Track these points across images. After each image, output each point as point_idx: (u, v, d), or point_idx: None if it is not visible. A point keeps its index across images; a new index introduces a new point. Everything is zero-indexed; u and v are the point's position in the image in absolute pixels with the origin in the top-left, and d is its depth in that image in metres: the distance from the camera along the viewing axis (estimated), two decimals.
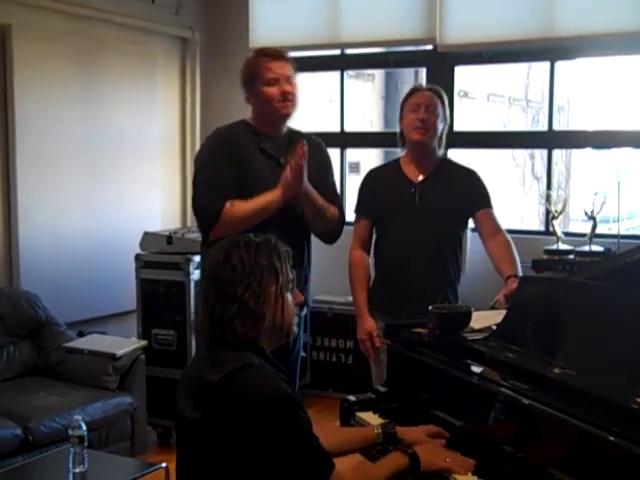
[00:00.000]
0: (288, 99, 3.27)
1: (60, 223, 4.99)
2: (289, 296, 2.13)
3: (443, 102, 3.55)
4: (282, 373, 2.09)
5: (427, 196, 3.49)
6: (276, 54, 3.31)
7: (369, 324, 3.50)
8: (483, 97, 9.63)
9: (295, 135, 3.40)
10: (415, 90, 3.60)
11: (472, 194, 3.56)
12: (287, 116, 3.33)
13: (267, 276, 2.07)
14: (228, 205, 3.17)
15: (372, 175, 3.69)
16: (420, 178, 3.53)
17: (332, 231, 3.46)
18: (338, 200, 3.53)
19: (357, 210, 3.67)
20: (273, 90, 3.25)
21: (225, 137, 3.34)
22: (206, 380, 2.01)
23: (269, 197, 3.16)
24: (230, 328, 2.03)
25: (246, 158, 3.24)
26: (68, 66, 5.04)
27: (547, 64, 5.21)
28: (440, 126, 3.53)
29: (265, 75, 3.25)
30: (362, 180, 3.70)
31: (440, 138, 3.57)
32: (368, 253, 3.66)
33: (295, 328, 2.21)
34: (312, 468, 1.98)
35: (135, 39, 5.55)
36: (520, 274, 3.35)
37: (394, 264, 3.52)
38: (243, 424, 1.94)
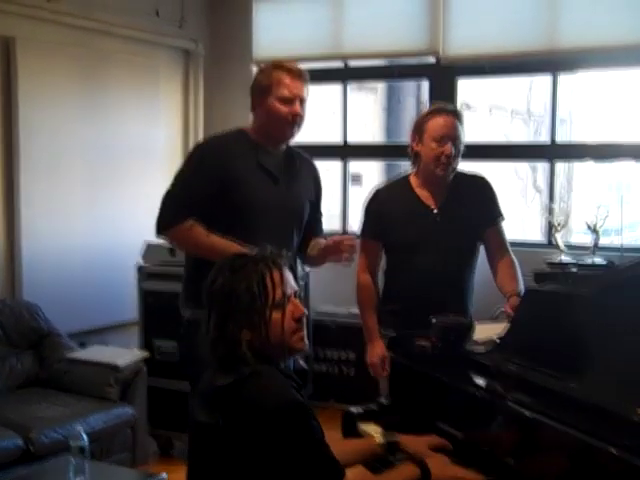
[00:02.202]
0: (296, 122, 3.17)
1: (62, 234, 5.00)
2: (276, 314, 2.08)
3: (462, 125, 3.44)
4: (293, 382, 2.09)
5: (446, 224, 3.41)
6: (297, 73, 3.17)
7: (381, 349, 3.43)
8: (485, 109, 9.64)
9: (293, 154, 3.31)
10: (438, 112, 3.43)
11: (484, 209, 3.49)
12: (290, 138, 3.24)
13: (246, 300, 2.05)
14: (187, 224, 3.07)
15: (380, 198, 3.56)
16: (436, 204, 3.45)
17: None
18: (322, 231, 3.48)
19: (365, 232, 3.57)
20: (285, 109, 3.12)
21: (218, 147, 3.23)
22: (216, 385, 2.01)
23: (227, 247, 2.96)
24: (239, 348, 2.04)
25: (238, 170, 3.14)
26: (72, 78, 5.06)
27: (549, 77, 5.22)
28: (459, 153, 3.44)
29: (280, 91, 3.12)
30: (369, 200, 3.58)
31: None
32: (375, 275, 3.58)
33: (301, 343, 2.15)
34: (323, 476, 1.98)
35: (139, 51, 5.57)
36: (522, 292, 3.31)
37: (414, 291, 3.40)
38: (254, 431, 1.93)
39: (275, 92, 3.13)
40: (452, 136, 3.38)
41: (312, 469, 1.97)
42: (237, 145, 3.21)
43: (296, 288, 2.17)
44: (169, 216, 3.13)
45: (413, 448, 2.31)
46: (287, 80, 3.13)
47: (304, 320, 2.16)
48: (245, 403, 1.96)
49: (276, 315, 2.08)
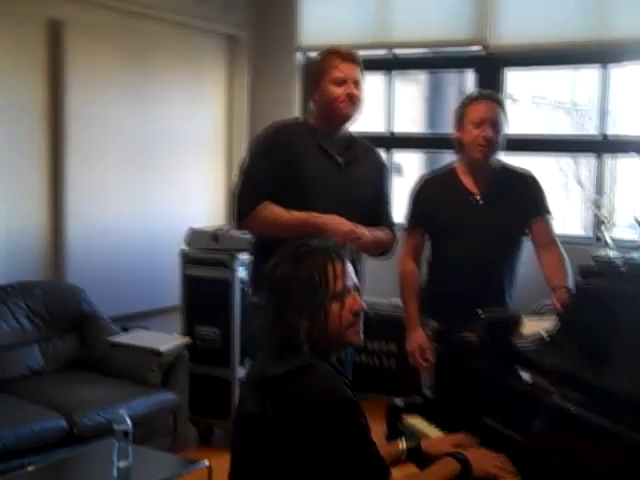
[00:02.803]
0: (352, 101, 3.22)
1: (107, 218, 5.04)
2: (334, 306, 2.07)
3: (504, 112, 3.44)
4: (345, 378, 2.09)
5: (489, 210, 3.41)
6: (348, 55, 3.24)
7: (421, 337, 3.45)
8: (527, 100, 9.53)
9: (356, 141, 3.35)
10: (477, 98, 3.47)
11: (530, 202, 3.48)
12: (349, 117, 3.28)
13: (305, 290, 2.04)
14: (263, 206, 3.13)
15: (427, 185, 3.58)
16: (480, 190, 3.45)
17: (384, 254, 3.45)
18: (391, 219, 3.48)
19: (410, 220, 3.58)
20: (339, 90, 3.19)
21: (280, 132, 3.29)
22: (269, 374, 2.01)
23: (309, 218, 3.08)
24: (295, 337, 2.03)
25: (302, 155, 3.19)
26: (118, 62, 5.10)
27: (597, 68, 5.14)
28: (500, 139, 3.42)
29: (333, 74, 3.19)
30: (415, 189, 3.59)
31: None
32: (419, 264, 3.59)
33: (356, 336, 2.14)
34: (369, 474, 1.97)
35: (184, 36, 5.59)
36: (571, 287, 3.27)
37: (456, 279, 3.41)
38: (304, 424, 1.93)
39: (329, 75, 3.20)
40: (491, 119, 3.38)
41: (359, 466, 1.96)
42: (298, 131, 3.28)
43: (356, 281, 2.16)
44: (244, 206, 3.18)
45: (436, 450, 2.29)
46: (339, 63, 3.21)
47: (362, 314, 2.15)
48: (298, 396, 1.95)
49: (335, 306, 2.07)
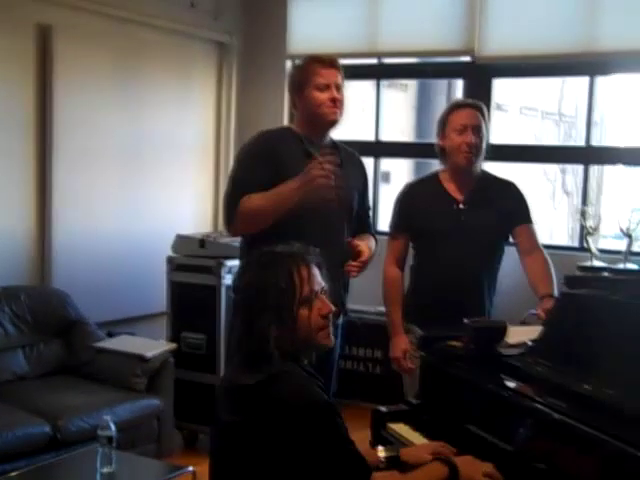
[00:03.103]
0: (336, 106, 3.25)
1: (93, 223, 5.03)
2: (303, 310, 2.09)
3: (485, 118, 3.49)
4: (318, 380, 2.09)
5: (471, 215, 3.45)
6: (329, 61, 3.28)
7: (404, 343, 3.47)
8: (516, 110, 9.57)
9: (339, 147, 3.38)
10: (458, 106, 3.52)
11: (512, 209, 3.51)
12: (334, 123, 3.30)
13: (274, 296, 2.05)
14: (244, 198, 3.14)
15: (411, 191, 3.62)
16: (463, 197, 3.48)
17: None
18: (371, 225, 3.54)
19: (394, 226, 3.61)
20: (323, 95, 3.22)
21: (266, 139, 3.32)
22: (243, 383, 2.01)
23: (284, 188, 3.09)
24: (265, 345, 2.04)
25: (289, 162, 3.20)
26: (107, 67, 5.09)
27: (583, 79, 5.17)
28: (484, 145, 3.47)
29: (316, 80, 3.22)
30: (400, 195, 3.64)
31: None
32: (402, 269, 3.62)
33: (327, 339, 2.17)
34: (350, 473, 1.98)
35: (174, 42, 5.58)
36: (556, 294, 3.30)
37: (439, 283, 3.45)
38: (280, 429, 1.94)
39: (311, 82, 3.24)
40: (474, 125, 3.42)
41: (340, 466, 1.97)
42: (284, 138, 3.30)
43: (324, 285, 2.17)
44: (231, 208, 3.18)
45: (415, 459, 2.28)
46: (320, 69, 3.25)
47: (331, 317, 2.16)
48: (274, 402, 1.96)
49: (304, 311, 2.09)
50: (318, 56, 3.34)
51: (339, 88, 3.27)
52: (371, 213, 3.63)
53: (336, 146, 3.38)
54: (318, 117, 3.26)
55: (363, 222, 3.45)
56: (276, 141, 3.28)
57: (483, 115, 3.49)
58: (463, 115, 3.44)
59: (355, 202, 3.37)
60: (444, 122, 3.48)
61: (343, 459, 1.97)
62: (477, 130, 3.42)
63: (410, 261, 3.66)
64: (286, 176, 3.15)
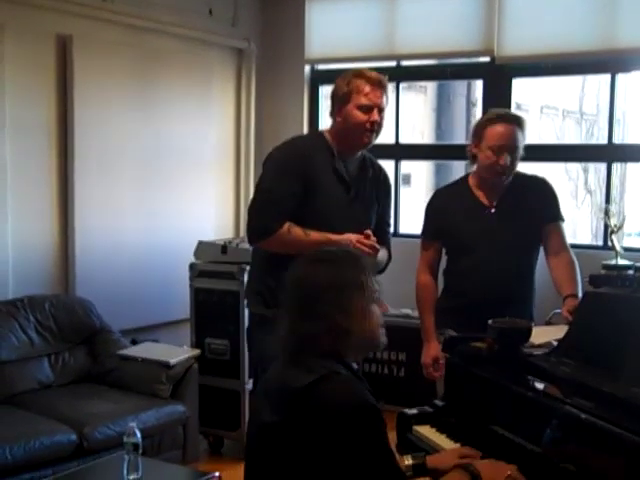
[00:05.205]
0: (374, 130, 3.22)
1: (116, 231, 5.04)
2: (375, 308, 2.12)
3: (523, 132, 3.42)
4: (365, 383, 2.10)
5: (502, 221, 3.42)
6: (377, 82, 3.22)
7: (435, 350, 3.45)
8: (537, 109, 9.53)
9: (368, 162, 3.37)
10: (499, 119, 3.41)
11: (543, 208, 3.48)
12: (367, 145, 3.28)
13: (352, 291, 2.06)
14: (285, 228, 3.13)
15: (441, 197, 3.61)
16: (493, 202, 3.46)
17: (379, 273, 3.43)
18: (389, 236, 3.50)
19: (425, 233, 3.60)
20: (363, 117, 3.19)
21: (300, 148, 3.28)
22: (291, 386, 2.00)
23: (325, 238, 3.10)
24: (317, 344, 2.04)
25: (317, 175, 3.19)
26: (126, 77, 5.10)
27: (604, 76, 5.13)
28: (517, 162, 3.42)
29: (360, 99, 3.18)
30: (430, 201, 3.63)
31: None
32: (435, 276, 3.61)
33: (384, 337, 2.18)
34: None
35: (192, 50, 5.60)
36: (580, 295, 3.25)
37: (475, 291, 3.41)
38: (326, 430, 1.93)
39: (354, 100, 3.20)
40: (510, 147, 3.37)
41: (380, 473, 1.95)
42: (315, 149, 3.27)
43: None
44: (265, 225, 3.16)
45: (442, 464, 2.28)
46: (367, 88, 3.20)
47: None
48: (323, 402, 1.95)
49: (375, 308, 2.12)
50: (367, 73, 3.25)
51: (381, 111, 3.23)
52: (390, 230, 3.58)
53: (364, 161, 3.36)
54: (353, 136, 3.24)
55: (379, 236, 3.35)
56: (307, 154, 3.24)
57: (522, 128, 3.41)
58: (502, 133, 3.36)
59: (372, 223, 3.35)
60: (481, 134, 3.40)
61: (384, 466, 1.96)
62: (513, 150, 3.37)
63: (443, 265, 3.65)
64: (313, 193, 3.16)
